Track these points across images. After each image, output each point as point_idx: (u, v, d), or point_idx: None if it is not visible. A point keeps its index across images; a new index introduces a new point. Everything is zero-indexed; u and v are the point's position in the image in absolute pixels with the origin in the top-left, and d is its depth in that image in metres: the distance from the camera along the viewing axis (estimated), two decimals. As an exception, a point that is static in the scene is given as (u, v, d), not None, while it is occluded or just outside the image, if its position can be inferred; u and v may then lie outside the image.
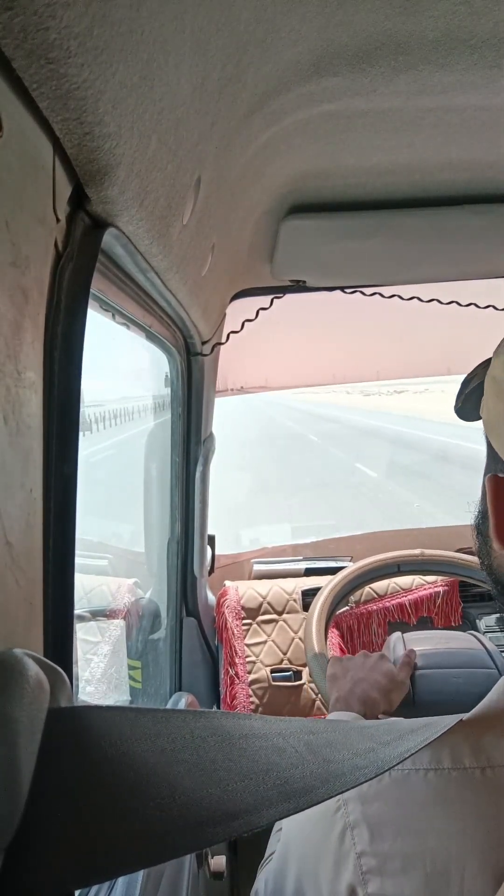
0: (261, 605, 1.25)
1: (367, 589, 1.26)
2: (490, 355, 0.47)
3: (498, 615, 1.25)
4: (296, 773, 0.26)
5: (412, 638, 0.91)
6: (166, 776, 0.22)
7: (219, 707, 1.20)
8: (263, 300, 1.02)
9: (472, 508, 0.44)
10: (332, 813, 0.36)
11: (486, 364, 0.50)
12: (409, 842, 0.33)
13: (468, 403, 0.49)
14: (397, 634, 0.92)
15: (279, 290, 1.02)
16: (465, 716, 0.37)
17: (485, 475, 0.42)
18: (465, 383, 0.51)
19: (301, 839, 0.39)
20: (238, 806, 0.23)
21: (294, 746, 0.28)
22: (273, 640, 1.22)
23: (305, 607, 1.24)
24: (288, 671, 1.17)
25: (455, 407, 0.51)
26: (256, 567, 1.40)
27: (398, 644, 0.89)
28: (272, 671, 1.17)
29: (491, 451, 0.40)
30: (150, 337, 0.79)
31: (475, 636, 0.92)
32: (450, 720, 0.36)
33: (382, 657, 0.80)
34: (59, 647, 0.32)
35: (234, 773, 0.24)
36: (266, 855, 0.47)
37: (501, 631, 1.22)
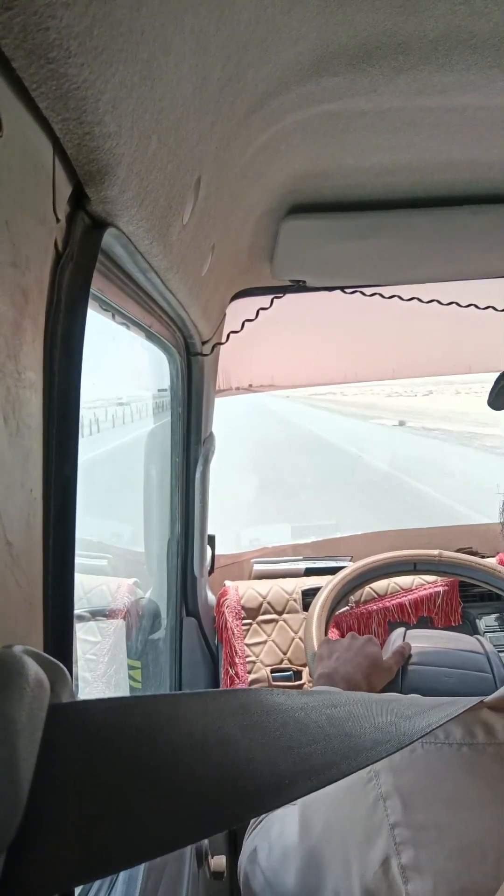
0: (261, 605, 1.25)
1: (367, 589, 1.26)
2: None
3: (498, 615, 1.25)
4: (317, 748, 0.26)
5: (415, 635, 0.91)
6: (183, 761, 0.22)
7: None
8: (264, 300, 1.02)
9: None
10: (364, 783, 0.36)
11: None
12: (444, 813, 0.33)
13: (502, 396, 0.51)
14: (399, 631, 0.92)
15: (279, 290, 1.02)
16: (486, 697, 0.37)
17: None
18: (499, 379, 0.52)
19: (325, 809, 0.39)
20: (259, 786, 0.23)
21: (316, 721, 0.28)
22: (273, 640, 1.22)
23: (305, 607, 1.24)
24: (288, 671, 1.17)
25: (488, 400, 0.53)
26: (256, 567, 1.40)
27: (399, 640, 0.90)
28: (272, 671, 1.17)
29: None
30: (150, 337, 0.79)
31: (479, 640, 0.92)
32: (471, 700, 0.36)
33: (369, 640, 0.80)
34: (59, 647, 0.32)
35: (255, 753, 0.24)
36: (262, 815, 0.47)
37: (502, 630, 1.22)
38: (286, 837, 0.41)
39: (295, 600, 1.26)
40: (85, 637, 1.02)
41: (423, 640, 0.88)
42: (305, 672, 1.17)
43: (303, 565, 1.39)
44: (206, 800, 0.21)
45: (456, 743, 0.35)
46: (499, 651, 0.88)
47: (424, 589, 1.28)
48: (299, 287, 1.00)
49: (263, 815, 0.46)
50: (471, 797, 0.33)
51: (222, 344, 1.03)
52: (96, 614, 1.08)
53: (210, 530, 1.19)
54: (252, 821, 0.48)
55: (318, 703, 0.30)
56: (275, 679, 1.16)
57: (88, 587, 1.16)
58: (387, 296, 1.01)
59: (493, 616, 1.25)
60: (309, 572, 1.37)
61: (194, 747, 0.23)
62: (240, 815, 0.22)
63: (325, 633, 0.97)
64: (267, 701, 0.27)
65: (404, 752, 0.31)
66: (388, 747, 0.28)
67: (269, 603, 1.25)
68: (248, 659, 1.19)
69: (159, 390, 1.11)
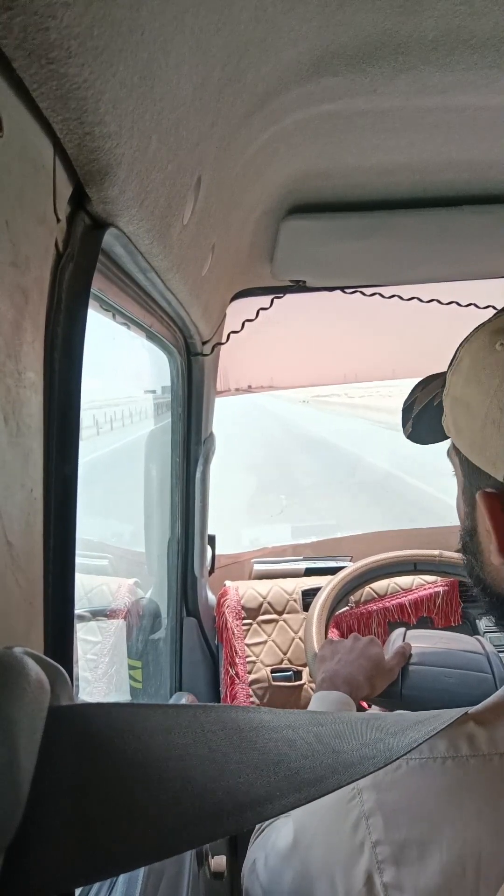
0: (261, 605, 1.25)
1: (367, 589, 1.26)
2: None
3: None
4: (306, 763, 0.26)
5: (415, 635, 0.91)
6: (179, 769, 0.22)
7: None
8: (264, 300, 1.02)
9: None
10: (347, 801, 0.36)
11: (423, 384, 0.50)
12: (425, 829, 0.33)
13: (420, 427, 0.49)
14: (400, 631, 0.92)
15: (279, 290, 1.02)
16: (470, 709, 0.37)
17: (462, 494, 0.42)
18: (407, 409, 0.50)
19: (312, 826, 0.39)
20: (250, 797, 0.23)
21: (304, 738, 0.28)
22: (273, 640, 1.22)
23: (306, 607, 1.24)
24: (288, 671, 1.17)
25: (406, 433, 0.51)
26: (257, 567, 1.40)
27: (398, 640, 0.90)
28: (272, 671, 1.17)
29: (470, 468, 0.39)
30: (151, 337, 0.79)
31: (480, 641, 0.91)
32: (456, 712, 0.36)
33: (372, 641, 0.80)
34: (60, 647, 0.32)
35: (246, 765, 0.24)
36: (265, 824, 0.47)
37: (501, 631, 1.22)
38: (280, 846, 0.41)
39: (295, 600, 1.26)
40: (85, 637, 1.02)
41: (423, 641, 0.88)
42: (306, 672, 1.17)
43: (303, 565, 1.39)
44: (202, 808, 0.21)
45: (440, 757, 0.35)
46: (499, 651, 0.88)
47: (424, 589, 1.28)
48: (299, 287, 1.00)
49: (266, 825, 0.46)
50: (452, 812, 0.33)
51: (222, 344, 1.03)
52: (96, 614, 1.08)
53: (210, 530, 1.19)
54: (256, 829, 0.48)
55: (305, 721, 0.30)
56: (275, 679, 1.16)
57: (89, 587, 1.16)
58: (387, 296, 1.01)
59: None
60: (309, 572, 1.37)
61: (188, 757, 0.23)
62: (232, 824, 0.22)
63: (326, 634, 0.97)
64: (255, 718, 0.28)
65: (389, 769, 0.31)
66: (375, 762, 0.29)
67: (269, 603, 1.25)
68: (248, 659, 1.19)
69: (146, 391, 1.11)
